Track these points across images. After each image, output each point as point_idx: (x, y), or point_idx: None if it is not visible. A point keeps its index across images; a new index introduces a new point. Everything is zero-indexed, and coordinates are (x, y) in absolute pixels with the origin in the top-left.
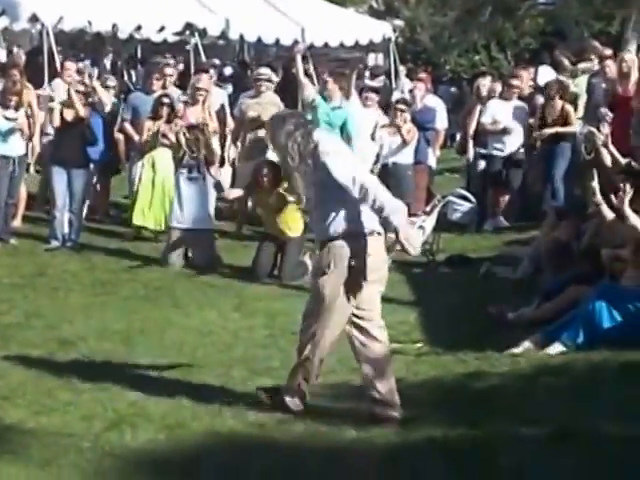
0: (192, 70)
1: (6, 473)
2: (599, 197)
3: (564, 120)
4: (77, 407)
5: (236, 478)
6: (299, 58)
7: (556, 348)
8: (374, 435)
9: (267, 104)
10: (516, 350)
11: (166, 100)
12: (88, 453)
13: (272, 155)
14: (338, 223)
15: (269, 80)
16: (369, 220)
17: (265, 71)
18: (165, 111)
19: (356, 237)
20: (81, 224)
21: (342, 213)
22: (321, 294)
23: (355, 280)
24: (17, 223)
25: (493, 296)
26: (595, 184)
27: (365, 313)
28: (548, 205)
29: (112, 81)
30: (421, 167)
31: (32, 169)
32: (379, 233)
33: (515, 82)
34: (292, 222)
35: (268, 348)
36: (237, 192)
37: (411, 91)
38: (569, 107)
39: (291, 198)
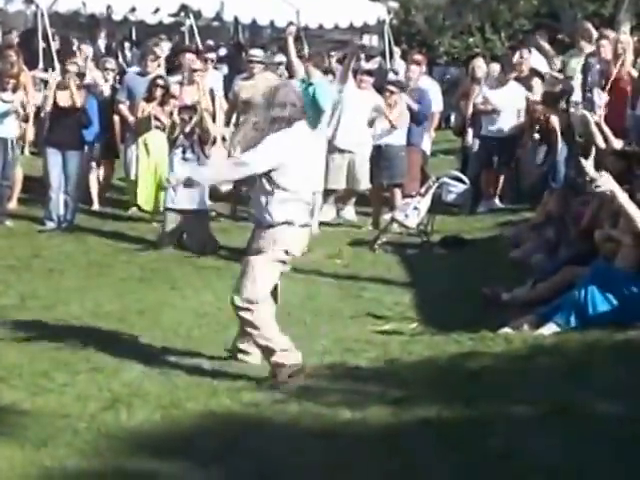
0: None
1: (2, 454)
2: (593, 172)
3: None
4: (73, 388)
5: (232, 458)
6: (291, 40)
7: (550, 328)
8: (369, 415)
9: (260, 86)
10: (509, 330)
11: (160, 82)
12: (84, 434)
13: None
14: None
15: (261, 62)
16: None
17: (258, 52)
18: (159, 92)
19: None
20: (76, 206)
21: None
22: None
23: None
24: (12, 205)
25: (487, 277)
26: (589, 161)
27: None
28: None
29: (110, 63)
30: (414, 148)
31: (27, 151)
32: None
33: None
34: None
35: None
36: (227, 186)
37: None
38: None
39: None
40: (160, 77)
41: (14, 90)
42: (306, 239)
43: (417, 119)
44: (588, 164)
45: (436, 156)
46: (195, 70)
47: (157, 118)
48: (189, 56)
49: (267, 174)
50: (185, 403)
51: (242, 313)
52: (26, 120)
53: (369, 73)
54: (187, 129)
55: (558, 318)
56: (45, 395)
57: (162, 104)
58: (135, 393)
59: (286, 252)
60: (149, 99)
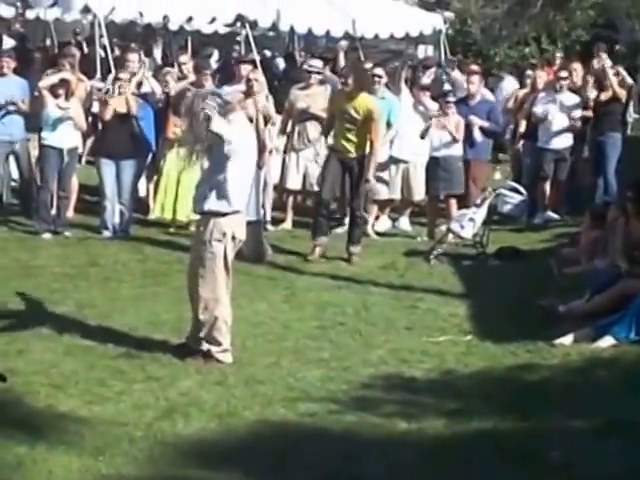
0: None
1: (59, 462)
2: None
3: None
4: (129, 396)
5: (287, 467)
6: (342, 55)
7: (607, 341)
8: (425, 426)
9: (316, 96)
10: (566, 342)
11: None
12: (140, 442)
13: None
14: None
15: (320, 72)
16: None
17: (316, 63)
18: None
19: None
20: (132, 215)
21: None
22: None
23: None
24: (69, 214)
25: (543, 289)
26: None
27: None
28: (600, 199)
29: (171, 74)
30: (479, 160)
31: (84, 160)
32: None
33: (563, 74)
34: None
35: (318, 339)
36: None
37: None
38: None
39: None
40: (188, 89)
41: (67, 97)
42: None
43: (487, 133)
44: None
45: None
46: (251, 81)
47: None
48: (246, 67)
49: None
50: (241, 412)
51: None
52: (83, 129)
53: (426, 88)
54: None
55: (616, 331)
56: (102, 403)
57: None
58: (191, 402)
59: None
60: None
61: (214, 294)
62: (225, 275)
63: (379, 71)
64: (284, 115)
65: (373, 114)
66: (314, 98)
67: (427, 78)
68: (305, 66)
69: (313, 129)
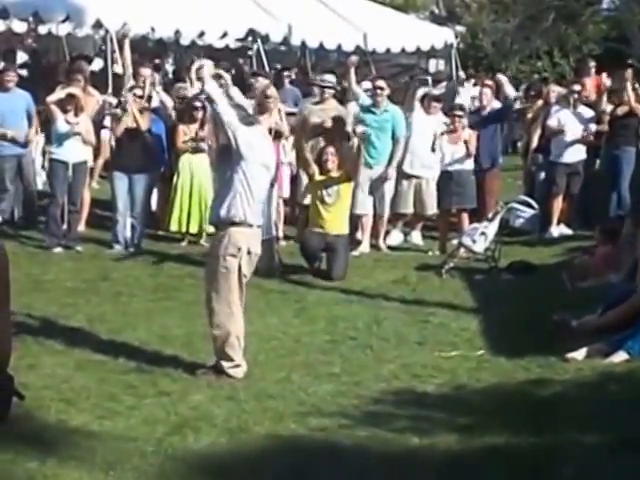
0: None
1: (70, 477)
2: None
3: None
4: (140, 411)
5: None
6: (352, 70)
7: (620, 356)
8: (436, 441)
9: (330, 110)
10: (578, 357)
11: (198, 104)
12: (151, 457)
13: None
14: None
15: (333, 87)
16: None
17: (330, 78)
18: (200, 114)
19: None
20: (144, 229)
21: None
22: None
23: None
24: (81, 228)
25: (555, 303)
26: None
27: None
28: (614, 213)
29: (185, 90)
30: (493, 172)
31: (96, 175)
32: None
33: (576, 87)
34: (341, 218)
35: (329, 354)
36: None
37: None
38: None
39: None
40: (197, 99)
41: (76, 113)
42: None
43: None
44: None
45: (503, 180)
46: (268, 97)
47: (203, 140)
48: (262, 81)
49: None
50: (252, 427)
51: None
52: (91, 144)
53: (437, 99)
54: None
55: (629, 346)
56: (113, 418)
57: (202, 126)
58: (202, 417)
59: None
60: (190, 121)
61: (228, 309)
62: (239, 290)
63: (381, 83)
64: (297, 129)
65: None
66: (328, 112)
67: (437, 92)
68: (318, 81)
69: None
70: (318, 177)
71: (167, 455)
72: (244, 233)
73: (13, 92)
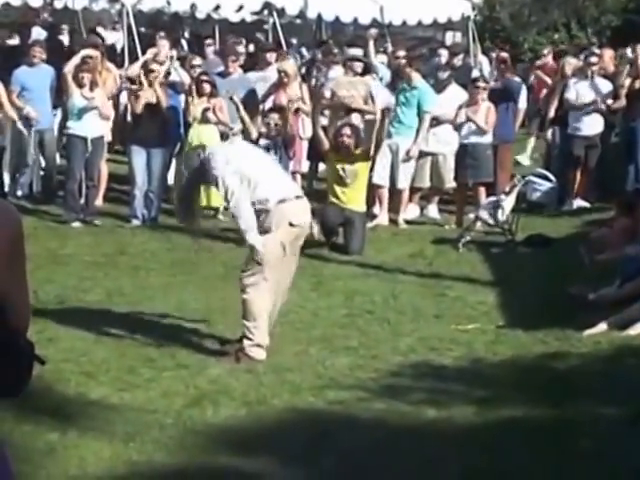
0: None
1: (91, 448)
2: None
3: None
4: (159, 384)
5: (315, 455)
6: (372, 44)
7: (637, 329)
8: (454, 414)
9: (358, 83)
10: (595, 330)
11: (206, 77)
12: (170, 429)
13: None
14: None
15: (362, 60)
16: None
17: (358, 51)
18: (208, 88)
19: None
20: (160, 203)
21: None
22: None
23: None
24: (99, 202)
25: (573, 276)
26: None
27: None
28: (631, 186)
29: (197, 60)
30: (506, 146)
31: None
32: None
33: (593, 59)
34: (359, 194)
35: (346, 327)
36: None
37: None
38: None
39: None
40: (205, 73)
41: (91, 87)
42: None
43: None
44: None
45: (521, 154)
46: (281, 73)
47: (213, 110)
48: (271, 55)
49: None
50: (270, 400)
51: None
52: (107, 118)
53: (453, 68)
54: (273, 133)
55: None
56: (132, 391)
57: (211, 97)
58: (220, 389)
59: None
60: (199, 95)
61: (256, 284)
62: (274, 267)
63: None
64: (315, 103)
65: None
66: (356, 85)
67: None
68: (346, 55)
69: (354, 118)
70: (335, 156)
71: (186, 427)
72: (280, 208)
73: (39, 67)
